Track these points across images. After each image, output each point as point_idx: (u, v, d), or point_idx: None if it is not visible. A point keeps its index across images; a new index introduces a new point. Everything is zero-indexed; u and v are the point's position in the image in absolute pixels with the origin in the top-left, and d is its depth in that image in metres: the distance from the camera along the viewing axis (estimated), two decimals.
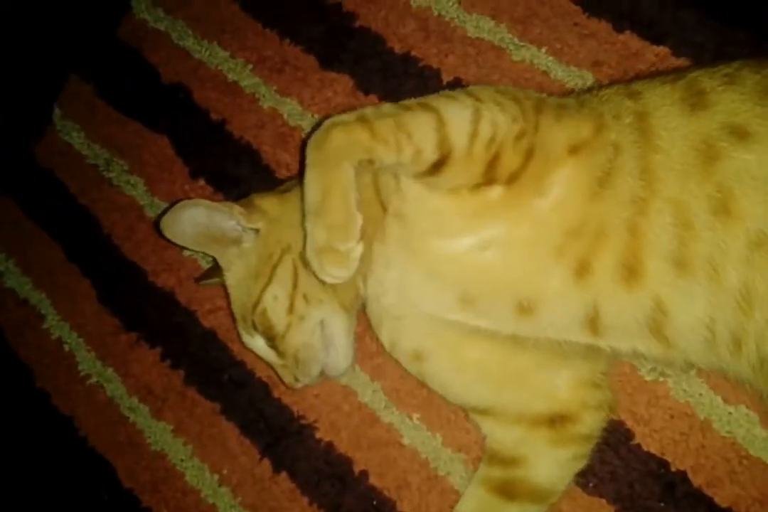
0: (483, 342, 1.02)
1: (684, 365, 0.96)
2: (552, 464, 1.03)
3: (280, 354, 1.11)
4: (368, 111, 0.97)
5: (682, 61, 1.22)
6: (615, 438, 1.09)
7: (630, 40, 1.27)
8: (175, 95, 1.58)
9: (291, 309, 1.08)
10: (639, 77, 1.16)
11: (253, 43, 1.56)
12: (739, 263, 0.84)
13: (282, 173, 1.44)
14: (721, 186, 0.86)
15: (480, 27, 1.38)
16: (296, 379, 1.12)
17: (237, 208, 1.10)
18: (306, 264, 0.99)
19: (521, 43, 1.34)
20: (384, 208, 1.03)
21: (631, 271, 0.88)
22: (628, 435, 1.09)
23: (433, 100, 0.97)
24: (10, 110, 1.73)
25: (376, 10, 1.48)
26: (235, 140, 1.50)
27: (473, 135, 0.92)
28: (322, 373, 1.13)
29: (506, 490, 1.04)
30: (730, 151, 0.86)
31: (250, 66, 1.54)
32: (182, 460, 1.34)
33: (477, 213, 0.95)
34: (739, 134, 0.87)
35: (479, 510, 1.06)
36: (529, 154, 0.93)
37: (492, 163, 0.93)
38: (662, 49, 1.24)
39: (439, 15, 1.42)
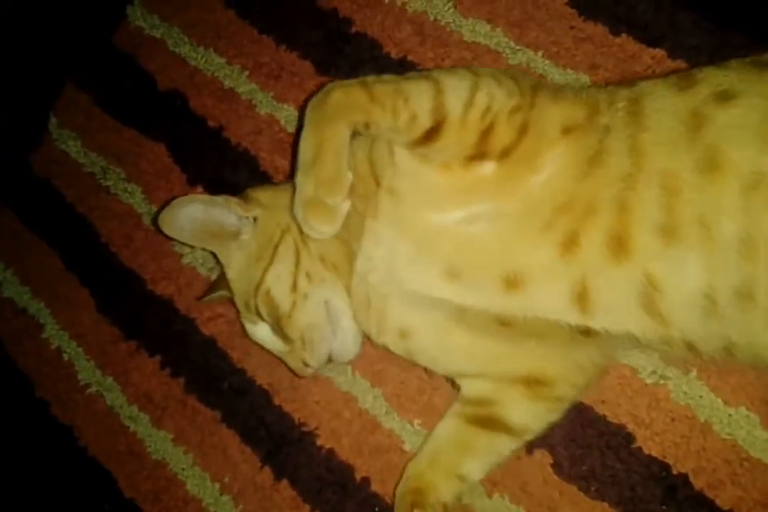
0: (469, 329, 1.04)
1: (682, 350, 0.95)
2: (526, 411, 1.07)
3: (287, 339, 1.13)
4: (369, 78, 1.03)
5: (678, 64, 1.23)
6: (616, 442, 1.10)
7: (626, 43, 1.29)
8: (171, 102, 1.60)
9: (294, 287, 1.10)
10: (636, 80, 1.19)
11: (249, 50, 1.58)
12: (735, 212, 0.85)
13: (279, 179, 1.45)
14: (708, 146, 0.87)
15: (476, 31, 1.40)
16: (305, 364, 1.13)
17: (233, 200, 1.13)
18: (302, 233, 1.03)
19: (517, 47, 1.36)
20: (378, 184, 1.05)
21: (619, 245, 0.89)
22: (629, 438, 1.10)
23: (433, 72, 1.03)
24: (6, 119, 1.74)
25: (372, 15, 1.50)
26: (232, 147, 1.52)
27: (469, 104, 0.96)
28: (330, 360, 1.13)
29: (481, 422, 1.08)
30: (715, 113, 0.88)
31: (247, 72, 1.56)
32: (183, 469, 1.35)
33: (469, 188, 0.97)
34: (725, 98, 0.89)
35: (455, 437, 1.10)
36: (523, 130, 0.95)
37: (485, 134, 0.96)
38: (658, 52, 1.25)
39: (435, 19, 1.44)
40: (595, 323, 0.95)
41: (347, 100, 1.00)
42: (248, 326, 1.16)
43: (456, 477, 1.09)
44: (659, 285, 0.89)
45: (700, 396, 1.08)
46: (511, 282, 0.96)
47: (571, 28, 1.34)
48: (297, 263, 1.11)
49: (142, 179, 1.58)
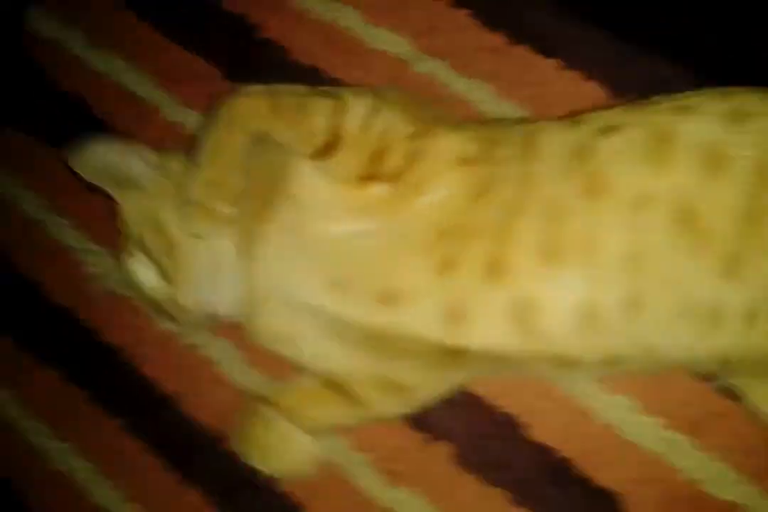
0: (344, 341, 1.14)
1: (565, 365, 1.05)
2: (382, 401, 1.20)
3: (168, 280, 1.20)
4: (280, 87, 1.16)
5: (573, 74, 1.38)
6: (507, 430, 1.23)
7: (525, 53, 1.43)
8: (74, 108, 1.67)
9: (189, 226, 1.17)
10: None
11: (154, 54, 1.66)
12: (621, 232, 0.97)
13: None
14: (594, 173, 1.01)
15: (383, 40, 1.52)
16: (183, 311, 1.21)
17: (148, 150, 1.25)
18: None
19: (423, 56, 1.48)
20: (276, 188, 1.15)
21: (498, 267, 1.00)
22: (519, 426, 1.23)
23: (342, 90, 1.16)
24: None
25: (281, 21, 1.60)
26: None
27: (365, 126, 1.09)
28: (209, 317, 1.22)
29: (335, 388, 1.19)
30: (600, 144, 1.03)
31: (152, 77, 1.64)
32: (87, 479, 1.42)
33: (362, 204, 1.09)
34: (609, 130, 1.04)
35: (307, 392, 1.22)
36: (415, 156, 1.09)
37: (378, 155, 1.09)
38: (555, 62, 1.40)
39: (344, 27, 1.55)
40: (469, 343, 1.05)
41: (251, 110, 1.12)
42: (132, 265, 1.23)
43: (303, 415, 1.22)
44: (538, 305, 1.00)
45: (583, 386, 1.22)
46: (388, 298, 1.07)
47: (474, 38, 1.47)
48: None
49: (46, 189, 1.65)
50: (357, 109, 1.11)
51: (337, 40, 1.56)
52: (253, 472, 1.31)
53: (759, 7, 1.32)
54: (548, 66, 1.41)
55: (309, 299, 1.12)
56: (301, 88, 1.17)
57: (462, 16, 1.50)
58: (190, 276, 1.20)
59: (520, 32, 1.45)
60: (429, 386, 1.20)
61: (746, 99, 1.03)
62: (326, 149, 1.10)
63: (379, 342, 1.11)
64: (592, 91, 1.37)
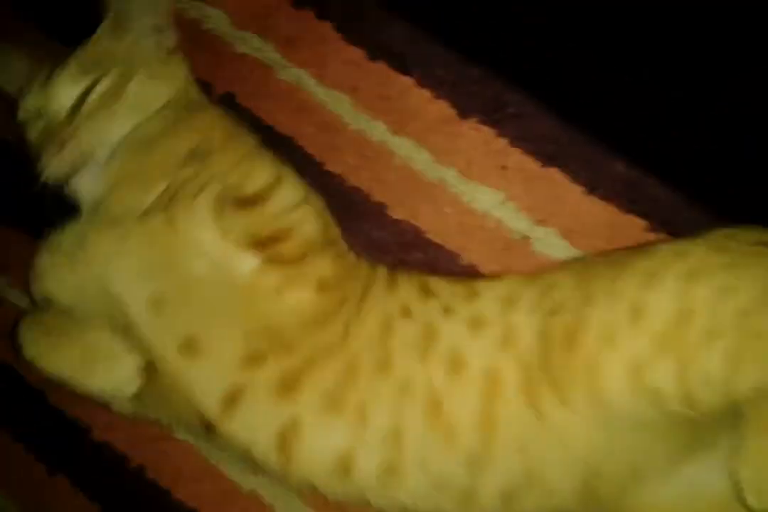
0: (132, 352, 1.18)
1: (305, 489, 1.13)
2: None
3: (77, 112, 1.25)
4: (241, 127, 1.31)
5: (425, 92, 1.50)
6: None
7: (382, 69, 1.53)
8: None
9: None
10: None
11: (34, 45, 1.62)
12: (388, 407, 1.07)
13: None
14: (386, 350, 1.11)
15: (249, 44, 1.59)
16: (61, 143, 1.23)
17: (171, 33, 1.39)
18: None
19: (288, 64, 1.56)
20: (166, 204, 1.19)
21: (287, 388, 1.09)
22: None
23: (287, 170, 1.25)
24: None
25: None
26: None
27: (280, 215, 1.19)
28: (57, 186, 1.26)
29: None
30: (398, 323, 1.14)
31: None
32: None
33: (229, 261, 1.15)
34: (405, 313, 1.16)
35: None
36: (294, 261, 1.18)
37: (271, 238, 1.17)
38: (408, 80, 1.51)
39: (210, 29, 1.62)
40: (228, 427, 1.11)
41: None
42: (64, 79, 1.26)
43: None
44: (302, 433, 1.08)
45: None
46: (189, 347, 1.12)
47: (336, 50, 1.55)
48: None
49: None
50: (285, 196, 1.20)
51: (204, 41, 1.62)
52: (121, 460, 1.44)
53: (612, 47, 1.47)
54: (403, 83, 1.52)
55: (127, 299, 1.14)
56: (252, 140, 1.28)
57: (326, 27, 1.58)
58: (75, 144, 1.23)
59: (378, 48, 1.55)
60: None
61: (485, 306, 1.13)
62: (245, 202, 1.18)
63: (156, 378, 1.15)
64: (440, 110, 1.50)
